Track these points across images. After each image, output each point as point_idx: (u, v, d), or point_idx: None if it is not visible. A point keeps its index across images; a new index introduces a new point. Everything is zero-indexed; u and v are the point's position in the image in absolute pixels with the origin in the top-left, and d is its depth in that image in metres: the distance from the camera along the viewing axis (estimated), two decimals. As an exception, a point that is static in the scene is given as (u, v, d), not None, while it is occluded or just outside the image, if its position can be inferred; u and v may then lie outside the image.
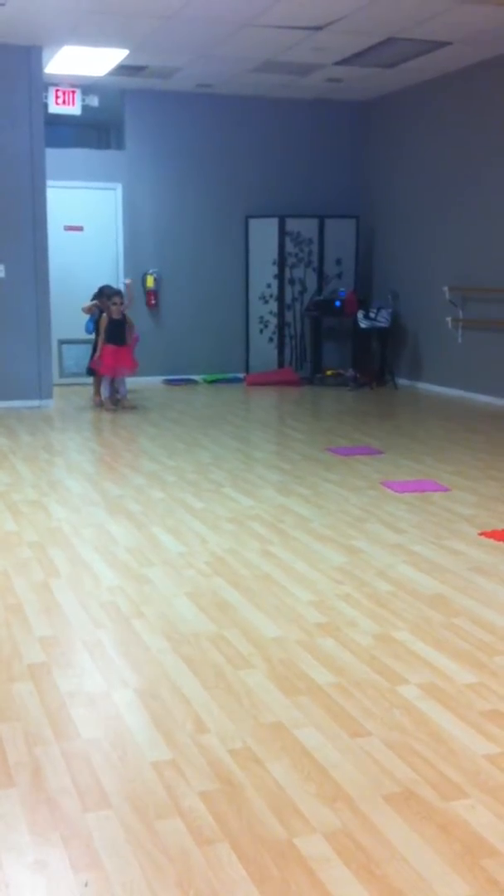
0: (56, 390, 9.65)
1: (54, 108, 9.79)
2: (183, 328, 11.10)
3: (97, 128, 11.54)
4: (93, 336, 9.32)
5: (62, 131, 10.67)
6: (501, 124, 9.06)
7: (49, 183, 9.44)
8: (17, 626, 3.63)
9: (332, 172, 11.38)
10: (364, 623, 3.66)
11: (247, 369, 11.31)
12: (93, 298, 9.36)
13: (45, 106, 9.40)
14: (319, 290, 11.06)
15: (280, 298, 11.06)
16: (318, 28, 7.90)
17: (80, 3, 7.30)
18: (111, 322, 8.96)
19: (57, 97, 9.80)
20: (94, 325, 9.22)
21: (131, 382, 9.72)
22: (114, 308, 8.97)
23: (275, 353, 11.17)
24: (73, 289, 10.16)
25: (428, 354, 10.44)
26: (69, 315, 9.82)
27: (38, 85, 8.88)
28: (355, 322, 10.61)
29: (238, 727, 2.83)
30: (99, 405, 9.18)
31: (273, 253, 11.00)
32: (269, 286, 11.10)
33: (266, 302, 11.15)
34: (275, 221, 10.93)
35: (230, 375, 11.20)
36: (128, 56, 8.88)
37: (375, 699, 3.02)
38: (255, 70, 9.52)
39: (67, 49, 8.64)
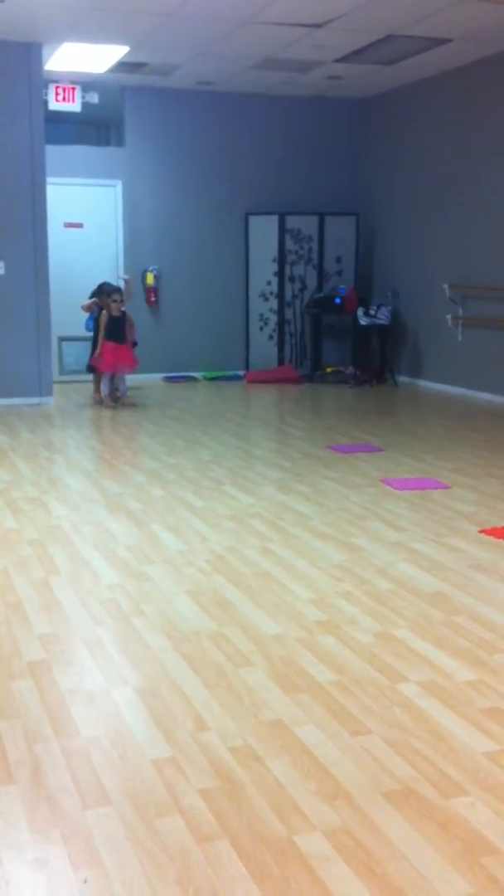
0: (56, 388, 9.65)
1: (54, 104, 9.78)
2: (183, 325, 11.09)
3: (97, 125, 11.53)
4: (93, 334, 9.31)
5: (62, 128, 10.66)
6: (501, 122, 9.05)
7: (49, 180, 9.44)
8: (17, 624, 3.63)
9: (332, 170, 11.37)
10: (364, 621, 3.66)
11: (247, 367, 11.30)
12: (92, 296, 9.35)
13: (45, 103, 9.38)
14: (319, 287, 11.06)
15: (280, 296, 11.05)
16: (318, 25, 7.89)
17: (80, 0, 7.29)
18: (111, 319, 8.96)
19: (57, 94, 9.79)
20: (94, 322, 9.21)
21: (131, 380, 9.72)
22: (113, 305, 8.96)
23: (275, 350, 11.17)
24: (73, 286, 10.16)
25: (428, 352, 10.44)
26: (69, 312, 9.81)
27: (38, 82, 8.87)
28: (355, 319, 10.60)
29: (238, 725, 2.83)
30: (99, 402, 9.17)
31: (273, 250, 10.99)
32: (269, 283, 11.10)
33: (266, 299, 11.15)
34: (275, 219, 10.92)
35: (230, 373, 11.20)
36: (128, 53, 8.87)
37: (375, 697, 3.02)
38: (255, 67, 9.51)
39: (67, 46, 8.63)
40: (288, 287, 11.05)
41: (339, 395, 9.92)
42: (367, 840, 2.27)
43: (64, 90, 9.83)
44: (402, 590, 4.01)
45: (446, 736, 2.77)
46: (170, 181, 10.85)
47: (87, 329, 9.42)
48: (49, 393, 9.26)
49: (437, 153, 10.04)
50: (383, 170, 11.06)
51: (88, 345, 9.52)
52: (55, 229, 10.08)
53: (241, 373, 11.20)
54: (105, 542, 4.70)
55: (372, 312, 10.49)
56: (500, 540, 4.73)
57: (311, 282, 11.09)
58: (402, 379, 10.79)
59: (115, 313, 8.97)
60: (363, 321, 10.50)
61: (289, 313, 11.11)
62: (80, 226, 10.69)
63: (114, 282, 10.03)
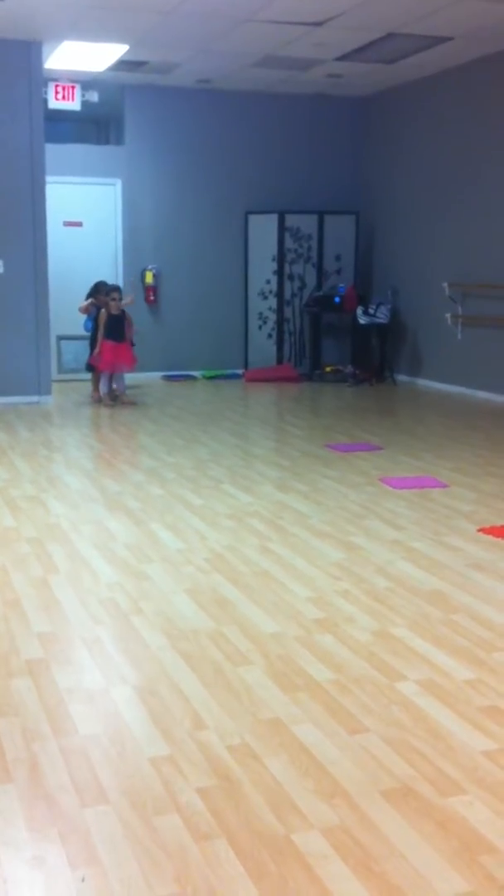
0: (55, 386, 9.64)
1: (54, 103, 9.78)
2: (182, 324, 11.09)
3: (97, 123, 11.52)
4: (91, 332, 9.31)
5: (62, 127, 10.65)
6: (502, 120, 9.04)
7: (48, 178, 9.43)
8: (16, 622, 3.63)
9: (332, 168, 11.36)
10: (362, 619, 3.66)
11: (246, 365, 11.30)
12: (88, 296, 9.34)
13: (45, 101, 9.38)
14: (319, 286, 11.06)
15: (279, 294, 11.05)
16: (319, 23, 7.88)
17: (79, -2, 7.29)
18: (110, 318, 8.95)
19: (57, 92, 9.79)
20: (93, 322, 9.20)
21: (130, 378, 9.72)
22: (112, 304, 8.96)
23: (274, 349, 11.17)
24: (72, 284, 10.14)
25: (427, 351, 10.44)
26: (68, 311, 9.80)
27: (38, 80, 8.86)
28: (355, 318, 10.60)
29: (236, 723, 2.83)
30: (98, 401, 9.17)
31: (272, 249, 10.99)
32: (268, 282, 11.10)
33: (265, 298, 11.14)
34: (274, 217, 10.92)
35: (229, 371, 11.19)
36: (128, 51, 8.86)
37: (374, 695, 3.02)
38: (255, 65, 9.51)
39: (67, 44, 8.63)
40: (287, 286, 11.05)
41: (338, 394, 9.92)
42: (365, 838, 2.27)
43: (64, 88, 9.82)
44: (400, 588, 4.01)
45: (444, 734, 2.77)
46: (169, 180, 10.84)
47: (86, 329, 9.41)
48: (48, 391, 9.25)
49: (438, 152, 10.04)
50: (383, 168, 11.05)
51: (87, 343, 9.51)
52: (54, 228, 10.07)
53: (240, 371, 11.19)
54: (104, 540, 4.70)
55: (371, 311, 10.49)
56: (499, 539, 4.73)
57: (311, 280, 11.09)
58: (402, 378, 10.78)
59: (115, 311, 8.97)
60: (362, 320, 10.50)
61: (288, 312, 11.11)
62: (79, 224, 10.69)
63: (113, 280, 10.05)
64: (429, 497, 5.55)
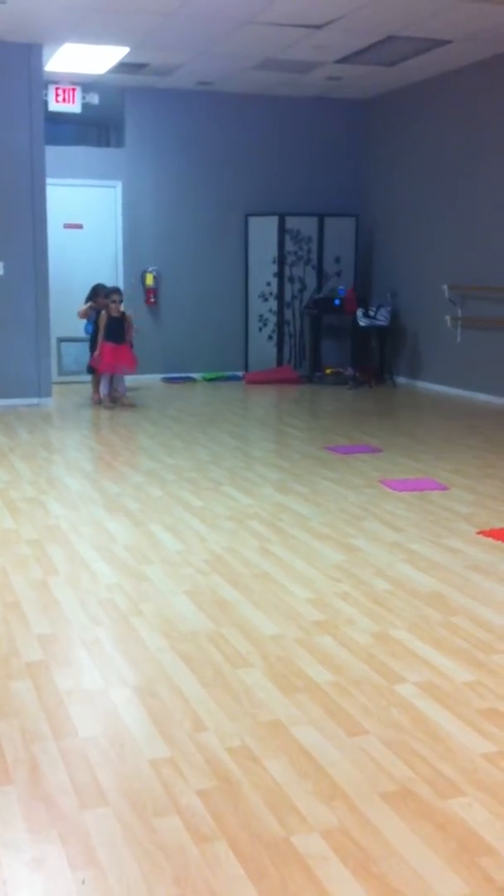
0: (55, 388, 9.64)
1: (54, 105, 9.79)
2: (182, 326, 11.09)
3: (97, 125, 11.53)
4: (91, 334, 9.31)
5: (62, 129, 10.66)
6: (501, 123, 9.05)
7: (49, 180, 9.44)
8: (16, 624, 3.63)
9: (331, 171, 11.37)
10: (362, 621, 3.66)
11: (246, 367, 11.31)
12: (87, 300, 9.35)
13: (46, 103, 9.39)
14: (319, 288, 11.06)
15: (279, 296, 11.06)
16: (319, 26, 7.90)
17: (80, 1, 7.30)
18: (111, 319, 8.96)
19: (57, 95, 9.80)
20: (94, 325, 9.20)
21: (130, 380, 9.72)
22: (112, 306, 8.97)
23: (274, 351, 11.17)
24: (72, 287, 10.15)
25: (427, 353, 10.44)
26: (68, 313, 9.81)
27: (39, 82, 8.87)
28: (354, 320, 10.61)
29: (236, 725, 2.83)
30: (98, 403, 9.17)
31: (273, 251, 11.00)
32: (268, 284, 11.10)
33: (265, 300, 11.15)
34: (274, 219, 10.93)
35: (229, 373, 11.20)
36: (128, 54, 8.87)
37: (373, 697, 3.02)
38: (256, 68, 9.52)
39: (68, 46, 8.64)
40: (287, 288, 11.06)
41: (337, 396, 9.92)
42: (364, 840, 2.27)
43: (64, 91, 9.84)
44: (400, 590, 4.02)
45: (444, 736, 2.78)
46: (170, 182, 10.85)
47: (86, 332, 9.42)
48: (48, 393, 9.26)
49: (437, 154, 10.05)
50: (383, 171, 11.06)
51: (87, 345, 9.51)
52: (55, 230, 10.08)
53: (241, 373, 11.20)
54: (103, 542, 4.70)
55: (371, 313, 10.49)
56: (498, 541, 4.73)
57: (311, 282, 11.10)
58: (401, 380, 10.79)
59: (115, 313, 8.98)
60: (362, 322, 10.50)
61: (288, 314, 11.11)
62: (79, 226, 10.70)
63: (113, 283, 10.06)
64: (428, 499, 5.56)
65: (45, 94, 9.45)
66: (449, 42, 8.45)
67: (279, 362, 11.14)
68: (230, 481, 5.98)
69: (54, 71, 9.40)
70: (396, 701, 3.00)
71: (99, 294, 9.24)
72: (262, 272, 11.11)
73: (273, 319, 11.13)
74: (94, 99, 10.08)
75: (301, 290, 11.10)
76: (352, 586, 4.06)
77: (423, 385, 10.48)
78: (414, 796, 2.47)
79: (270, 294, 11.11)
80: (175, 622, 3.65)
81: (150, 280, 10.83)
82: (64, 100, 9.85)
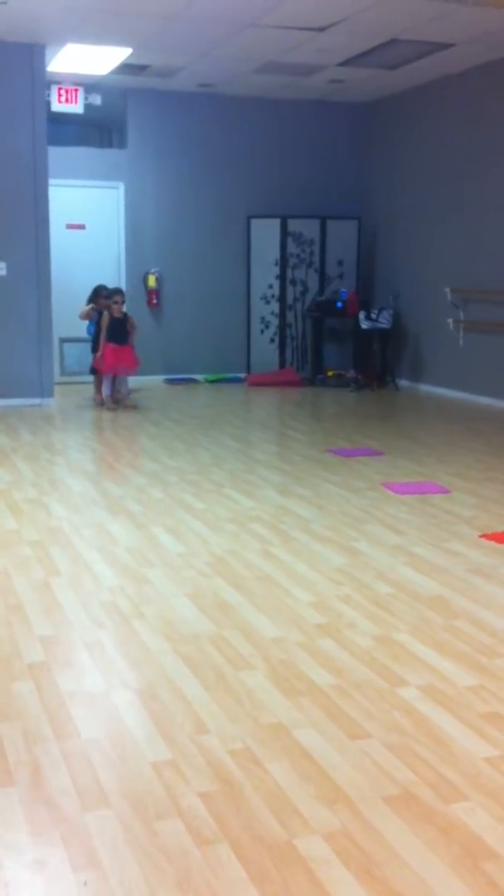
0: (57, 389, 9.65)
1: (57, 106, 9.80)
2: (184, 328, 11.10)
3: (100, 126, 11.53)
4: (93, 335, 9.32)
5: (65, 130, 10.67)
6: (503, 126, 9.07)
7: (51, 181, 9.45)
8: (18, 625, 3.63)
9: (334, 173, 11.38)
10: (364, 624, 3.66)
11: (248, 369, 11.31)
12: (88, 301, 9.35)
13: (48, 104, 9.39)
14: (321, 290, 11.07)
15: (282, 299, 11.06)
16: (321, 29, 7.90)
17: (83, 2, 7.30)
18: (113, 320, 8.96)
19: (60, 95, 9.81)
20: (96, 326, 9.21)
21: (132, 381, 9.72)
22: (115, 307, 8.97)
23: (276, 353, 11.17)
24: (74, 287, 10.16)
25: (429, 356, 10.44)
26: (70, 314, 9.81)
27: (41, 83, 8.88)
28: (357, 323, 10.61)
29: (238, 728, 2.83)
30: (100, 404, 9.17)
31: (275, 253, 11.00)
32: (270, 287, 11.11)
33: (268, 302, 11.15)
34: (277, 222, 10.93)
35: (231, 375, 11.20)
36: (131, 55, 8.88)
37: (375, 701, 3.02)
38: (258, 70, 9.52)
39: (70, 47, 8.64)
40: (289, 290, 11.06)
41: (339, 399, 9.92)
42: (366, 844, 2.27)
43: (67, 92, 9.84)
44: (402, 594, 4.01)
45: (446, 740, 2.77)
46: (172, 183, 10.86)
47: (88, 333, 9.43)
48: (50, 394, 9.26)
49: (439, 157, 10.05)
50: (385, 174, 11.07)
51: (89, 346, 9.52)
52: (57, 231, 10.08)
53: (242, 375, 11.20)
54: (105, 544, 4.70)
55: (373, 316, 10.49)
56: (500, 544, 4.72)
57: (313, 285, 11.10)
58: (403, 383, 10.79)
59: (117, 314, 8.98)
60: (364, 325, 10.50)
61: (290, 316, 11.12)
62: (82, 227, 10.70)
63: (115, 284, 10.06)
64: (430, 502, 5.56)
65: (48, 95, 9.46)
66: (451, 45, 8.45)
67: (281, 365, 11.14)
68: (232, 484, 5.98)
69: (57, 72, 9.41)
70: (398, 704, 3.00)
71: (100, 295, 9.24)
72: (265, 274, 11.11)
73: (275, 322, 11.13)
74: (97, 100, 10.09)
75: (303, 293, 11.10)
76: (353, 589, 4.06)
77: (425, 388, 10.48)
78: (416, 800, 2.46)
79: (272, 296, 11.11)
80: (177, 624, 3.65)
81: (152, 281, 10.83)
82: (66, 100, 9.86)
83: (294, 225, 10.95)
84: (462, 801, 2.46)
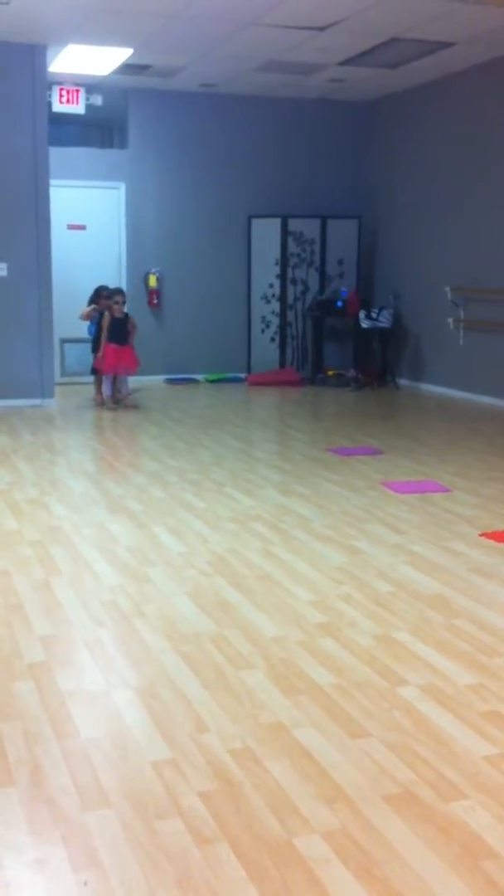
0: (57, 389, 9.65)
1: (58, 106, 9.80)
2: (185, 327, 11.10)
3: (101, 127, 11.54)
4: (93, 336, 9.32)
5: (66, 130, 10.67)
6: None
7: (52, 182, 9.44)
8: (18, 625, 3.63)
9: (334, 173, 11.38)
10: (364, 623, 3.66)
11: (248, 369, 11.31)
12: (90, 302, 9.35)
13: (49, 104, 9.40)
14: (321, 290, 11.07)
15: (282, 298, 11.06)
16: (322, 28, 7.90)
17: (84, 2, 7.30)
18: (113, 321, 8.97)
19: (61, 96, 9.81)
20: (96, 326, 9.21)
21: (133, 381, 9.72)
22: (115, 307, 8.97)
23: (276, 352, 11.17)
24: (75, 288, 10.16)
25: (429, 355, 10.44)
26: (71, 314, 9.81)
27: (42, 83, 8.88)
28: (357, 322, 10.60)
29: (238, 727, 2.83)
30: (100, 404, 9.18)
31: (275, 253, 11.00)
32: (271, 286, 11.11)
33: (268, 302, 11.15)
34: (277, 221, 10.93)
35: (232, 375, 11.20)
36: (132, 55, 8.88)
37: (375, 700, 3.02)
38: (259, 70, 9.52)
39: (72, 48, 8.64)
40: (290, 289, 11.06)
41: (340, 398, 9.92)
42: (366, 843, 2.27)
43: (68, 92, 9.84)
44: (402, 593, 4.01)
45: (446, 739, 2.77)
46: (173, 183, 10.86)
47: (89, 333, 9.43)
48: (51, 394, 9.26)
49: (440, 156, 10.05)
50: (386, 173, 11.06)
51: (90, 346, 9.52)
52: (58, 231, 10.08)
53: (243, 375, 11.20)
54: (106, 543, 4.70)
55: (374, 315, 10.49)
56: (501, 544, 4.72)
57: (313, 284, 11.10)
58: (404, 382, 10.79)
59: (118, 314, 8.98)
60: (365, 324, 10.50)
61: (290, 316, 11.12)
62: (82, 228, 10.70)
63: (116, 284, 10.06)
64: (431, 501, 5.56)
65: (49, 95, 9.46)
66: (452, 44, 8.45)
67: (281, 364, 11.14)
68: (232, 483, 5.98)
69: (58, 72, 9.41)
70: (398, 703, 3.00)
71: (101, 296, 9.24)
72: (265, 274, 11.11)
73: (275, 321, 11.13)
74: (98, 100, 10.09)
75: (303, 292, 11.10)
76: (354, 588, 4.06)
77: (425, 387, 10.48)
78: (416, 799, 2.46)
79: (273, 296, 11.11)
80: (177, 624, 3.65)
81: (153, 281, 10.84)
82: (68, 101, 9.86)
83: (294, 224, 10.95)
84: (462, 800, 2.46)
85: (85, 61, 9.08)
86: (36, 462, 6.61)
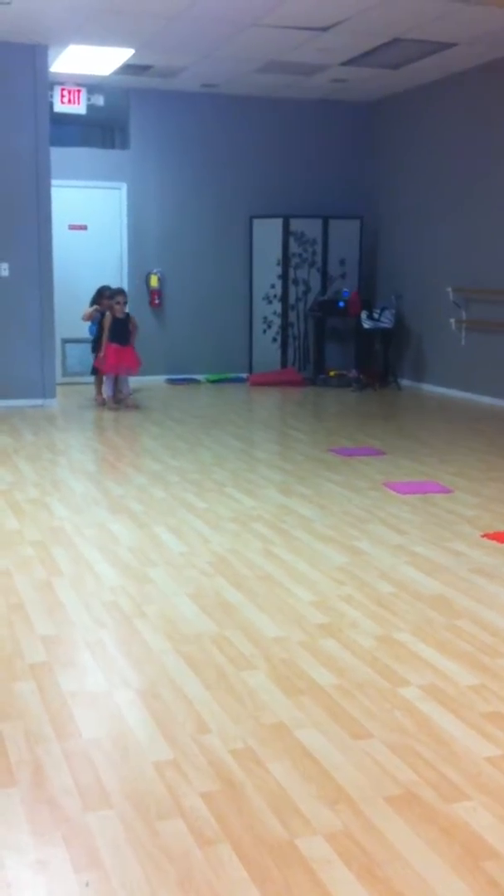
0: (59, 389, 9.65)
1: (59, 107, 9.80)
2: (186, 328, 11.10)
3: (102, 127, 11.54)
4: (94, 336, 9.33)
5: (67, 130, 10.68)
6: (506, 126, 9.05)
7: (53, 182, 9.45)
8: (20, 625, 3.63)
9: (336, 173, 11.37)
10: (366, 624, 3.66)
11: (250, 369, 11.31)
12: (92, 302, 9.36)
13: (51, 105, 9.40)
14: (323, 290, 11.06)
15: (284, 299, 11.06)
16: (324, 28, 7.90)
17: (85, 3, 7.30)
18: (115, 321, 8.97)
19: (62, 96, 9.81)
20: (98, 326, 9.21)
21: (134, 382, 9.73)
22: (117, 307, 8.98)
23: (278, 353, 11.17)
24: (76, 288, 10.17)
25: (431, 356, 10.44)
26: (73, 314, 9.82)
27: (44, 84, 8.88)
28: (359, 323, 10.60)
29: (239, 728, 2.83)
30: (101, 404, 9.18)
31: (277, 253, 11.00)
32: (272, 286, 11.10)
33: (270, 302, 11.15)
34: (279, 222, 10.93)
35: (233, 375, 11.20)
36: (133, 55, 8.88)
37: (377, 700, 3.02)
38: (260, 70, 9.52)
39: (73, 48, 8.65)
40: (292, 290, 11.06)
41: (341, 399, 9.92)
42: (368, 844, 2.27)
43: (69, 92, 9.85)
44: (403, 593, 4.01)
45: (448, 740, 2.77)
46: (174, 184, 10.86)
47: (91, 333, 9.43)
48: (52, 395, 9.26)
49: (442, 157, 10.05)
50: (387, 173, 11.06)
51: (91, 346, 9.53)
52: (59, 231, 10.08)
53: (245, 375, 11.20)
54: (107, 543, 4.70)
55: (375, 316, 10.49)
56: (502, 544, 4.72)
57: (315, 285, 11.09)
58: (405, 382, 10.78)
59: (119, 315, 8.99)
60: (367, 324, 10.50)
61: (292, 316, 11.11)
62: (84, 228, 10.71)
63: (117, 284, 10.06)
64: (432, 502, 5.55)
65: (51, 96, 9.47)
66: (454, 45, 8.45)
67: (283, 364, 11.14)
68: (234, 483, 5.98)
69: (59, 72, 9.41)
70: (400, 704, 3.00)
71: (104, 296, 9.25)
72: (267, 274, 11.11)
73: (277, 321, 11.13)
74: (99, 100, 10.09)
75: (305, 293, 11.10)
76: (355, 589, 4.06)
77: (427, 388, 10.48)
78: (418, 800, 2.46)
79: (274, 296, 11.11)
80: (178, 624, 3.65)
81: (154, 282, 10.84)
82: (69, 101, 9.86)
83: (296, 224, 10.95)
84: (464, 801, 2.45)
85: (86, 61, 9.08)
86: (37, 462, 6.61)
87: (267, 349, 11.23)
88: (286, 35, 8.13)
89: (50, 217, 9.06)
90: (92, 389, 9.64)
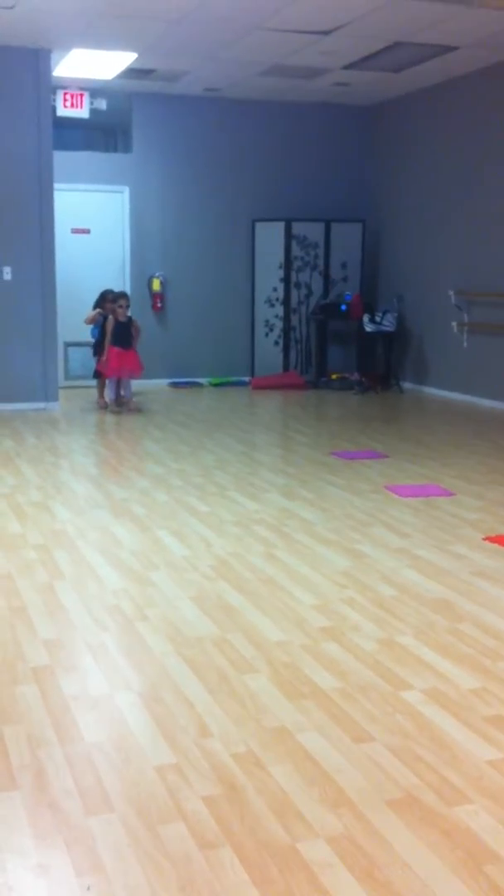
0: (61, 393, 9.66)
1: (62, 110, 9.82)
2: (188, 331, 11.11)
3: (105, 131, 11.56)
4: (96, 339, 9.34)
5: (70, 134, 10.70)
6: (508, 129, 9.06)
7: (56, 185, 9.46)
8: (22, 628, 3.63)
9: (338, 176, 11.38)
10: (368, 627, 3.66)
11: (252, 372, 11.31)
12: (95, 306, 9.37)
13: (53, 109, 9.42)
14: (325, 293, 11.07)
15: (286, 302, 11.06)
16: (326, 32, 7.91)
17: (88, 7, 7.32)
18: (117, 324, 8.98)
19: (65, 100, 9.83)
20: (100, 329, 9.23)
21: (136, 385, 9.73)
22: (119, 311, 8.98)
23: (280, 356, 11.18)
24: (79, 291, 10.18)
25: (433, 359, 10.44)
26: (75, 318, 9.83)
27: (47, 87, 8.90)
28: (361, 326, 10.61)
29: (241, 731, 2.83)
30: (104, 408, 9.19)
31: (279, 256, 11.00)
32: (275, 290, 11.11)
33: (272, 305, 11.16)
34: (281, 225, 10.94)
35: (235, 378, 11.21)
36: (136, 59, 8.89)
37: (379, 704, 3.02)
38: (263, 74, 9.53)
39: (76, 52, 8.66)
40: (294, 293, 11.06)
41: (343, 402, 9.92)
42: (369, 847, 2.27)
43: (72, 96, 9.87)
44: (405, 597, 4.01)
45: (450, 743, 2.77)
46: (177, 187, 10.87)
47: (93, 336, 9.44)
48: (55, 398, 9.27)
49: (444, 160, 10.05)
50: (389, 176, 11.07)
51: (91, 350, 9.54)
52: (62, 235, 10.10)
53: (247, 379, 11.21)
54: (109, 547, 4.70)
55: (377, 319, 10.49)
56: (505, 547, 4.72)
57: (317, 288, 11.10)
58: (407, 385, 10.79)
59: (122, 318, 8.99)
60: (369, 327, 10.50)
61: (294, 319, 11.12)
62: (86, 231, 10.72)
63: (120, 288, 10.07)
64: (434, 505, 5.55)
65: (53, 100, 9.48)
66: (455, 48, 8.45)
67: (285, 367, 11.14)
68: (236, 486, 5.98)
69: (62, 76, 9.43)
70: (402, 707, 2.99)
71: (107, 300, 9.26)
72: (269, 277, 11.12)
73: (279, 325, 11.14)
74: (102, 104, 10.11)
75: (307, 296, 11.10)
76: (357, 592, 4.06)
77: (429, 391, 10.47)
78: (420, 803, 2.46)
79: (277, 299, 11.11)
80: (180, 627, 3.65)
81: (156, 285, 10.85)
82: (72, 105, 9.88)
83: (298, 228, 10.96)
84: (465, 805, 2.45)
85: (89, 65, 9.10)
86: (40, 465, 6.61)
87: (269, 352, 11.24)
88: (288, 39, 8.14)
89: (52, 221, 9.07)
90: (94, 393, 9.64)
